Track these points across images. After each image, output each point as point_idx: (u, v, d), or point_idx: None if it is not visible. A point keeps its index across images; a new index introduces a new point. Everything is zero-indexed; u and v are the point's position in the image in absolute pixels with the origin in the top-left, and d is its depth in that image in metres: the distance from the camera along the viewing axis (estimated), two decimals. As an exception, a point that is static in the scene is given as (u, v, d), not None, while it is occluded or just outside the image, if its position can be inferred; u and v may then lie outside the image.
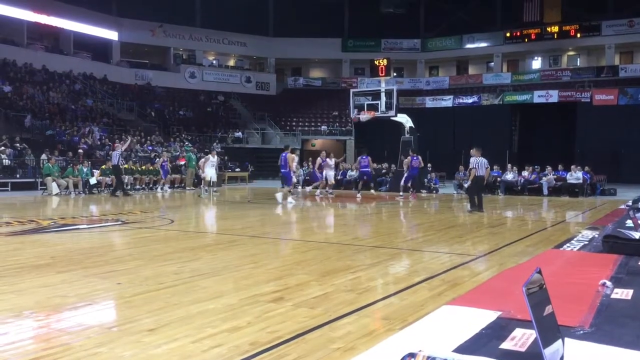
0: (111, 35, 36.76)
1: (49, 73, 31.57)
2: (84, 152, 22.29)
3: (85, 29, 34.87)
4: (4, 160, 20.39)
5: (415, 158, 18.12)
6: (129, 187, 20.26)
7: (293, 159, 15.81)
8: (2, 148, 20.82)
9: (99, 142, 24.85)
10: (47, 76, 31.28)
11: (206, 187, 18.99)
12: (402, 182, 18.22)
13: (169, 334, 3.72)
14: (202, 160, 19.67)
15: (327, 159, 18.77)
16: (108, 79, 34.82)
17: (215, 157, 19.82)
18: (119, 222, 10.57)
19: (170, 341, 3.58)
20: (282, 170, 15.81)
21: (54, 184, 18.65)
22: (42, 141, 23.50)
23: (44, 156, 20.39)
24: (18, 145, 21.95)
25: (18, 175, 20.39)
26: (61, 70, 32.37)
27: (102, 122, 28.55)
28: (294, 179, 16.80)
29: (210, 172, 18.88)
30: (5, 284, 5.22)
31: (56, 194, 18.25)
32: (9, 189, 19.43)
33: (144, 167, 22.22)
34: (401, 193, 18.08)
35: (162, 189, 21.44)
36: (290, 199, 15.36)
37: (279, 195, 15.61)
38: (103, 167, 20.60)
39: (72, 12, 33.47)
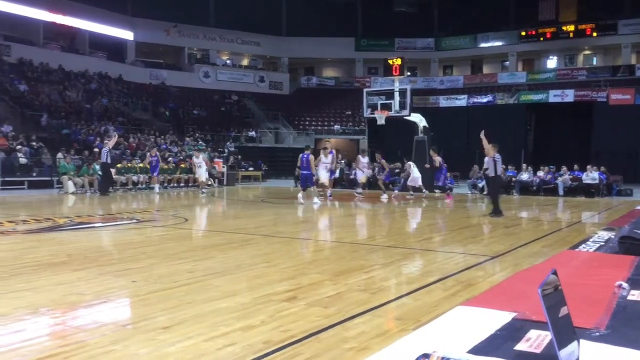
0: (126, 35, 37.03)
1: (65, 72, 31.86)
2: (99, 150, 22.44)
3: (101, 28, 35.15)
4: (20, 159, 20.61)
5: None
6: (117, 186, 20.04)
7: (334, 159, 15.74)
8: (19, 147, 21.05)
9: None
10: (63, 75, 31.57)
11: (203, 189, 18.92)
12: (439, 183, 18.43)
13: (183, 332, 3.74)
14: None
15: (361, 158, 18.61)
16: (123, 79, 35.07)
17: (200, 157, 19.48)
18: (134, 221, 10.64)
19: (184, 339, 3.60)
20: (304, 172, 15.16)
21: (70, 183, 18.82)
22: (58, 140, 23.73)
23: (60, 155, 20.59)
24: (34, 143, 22.17)
25: (35, 174, 20.60)
26: (77, 69, 32.65)
27: (117, 122, 28.76)
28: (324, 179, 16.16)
29: (199, 172, 18.97)
30: (22, 281, 5.28)
31: (72, 192, 18.42)
32: (26, 187, 19.64)
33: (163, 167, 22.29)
34: (437, 192, 18.34)
35: (149, 187, 20.81)
36: (315, 199, 15.05)
37: (300, 197, 14.95)
38: (118, 165, 20.76)
39: (87, 12, 33.75)
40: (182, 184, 22.61)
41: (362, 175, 18.61)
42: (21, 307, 4.34)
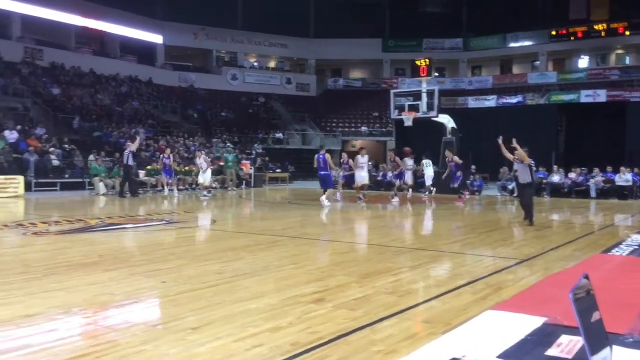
0: (156, 38, 37.59)
1: (96, 76, 32.48)
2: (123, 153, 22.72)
3: (131, 32, 35.75)
4: (53, 161, 21.04)
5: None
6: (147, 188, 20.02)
7: (360, 160, 15.37)
8: (52, 149, 21.51)
9: (144, 144, 25.38)
10: (94, 79, 32.19)
11: (204, 192, 18.10)
12: (454, 184, 17.41)
13: (212, 332, 3.78)
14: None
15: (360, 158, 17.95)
16: (153, 82, 35.60)
17: (201, 158, 18.54)
18: (164, 222, 10.78)
19: (213, 340, 3.63)
20: (322, 172, 14.91)
21: (101, 184, 19.15)
22: (89, 142, 24.17)
23: (91, 157, 20.96)
24: (67, 146, 22.62)
25: (67, 175, 21.01)
26: (108, 73, 33.26)
27: (147, 124, 29.20)
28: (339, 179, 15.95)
29: (200, 174, 18.35)
30: (54, 281, 5.39)
31: (103, 194, 18.75)
32: (58, 188, 20.05)
33: (186, 168, 22.48)
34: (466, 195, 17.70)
35: (160, 190, 19.86)
36: (338, 197, 14.88)
37: (324, 199, 14.69)
38: (148, 167, 21.03)
39: (118, 17, 34.36)
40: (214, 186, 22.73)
41: (364, 176, 16.50)
42: (54, 307, 4.44)
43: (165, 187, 19.58)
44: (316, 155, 15.33)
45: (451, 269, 6.30)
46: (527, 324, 3.58)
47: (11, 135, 21.48)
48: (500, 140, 11.21)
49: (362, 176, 15.83)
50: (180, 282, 5.35)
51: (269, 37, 41.04)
